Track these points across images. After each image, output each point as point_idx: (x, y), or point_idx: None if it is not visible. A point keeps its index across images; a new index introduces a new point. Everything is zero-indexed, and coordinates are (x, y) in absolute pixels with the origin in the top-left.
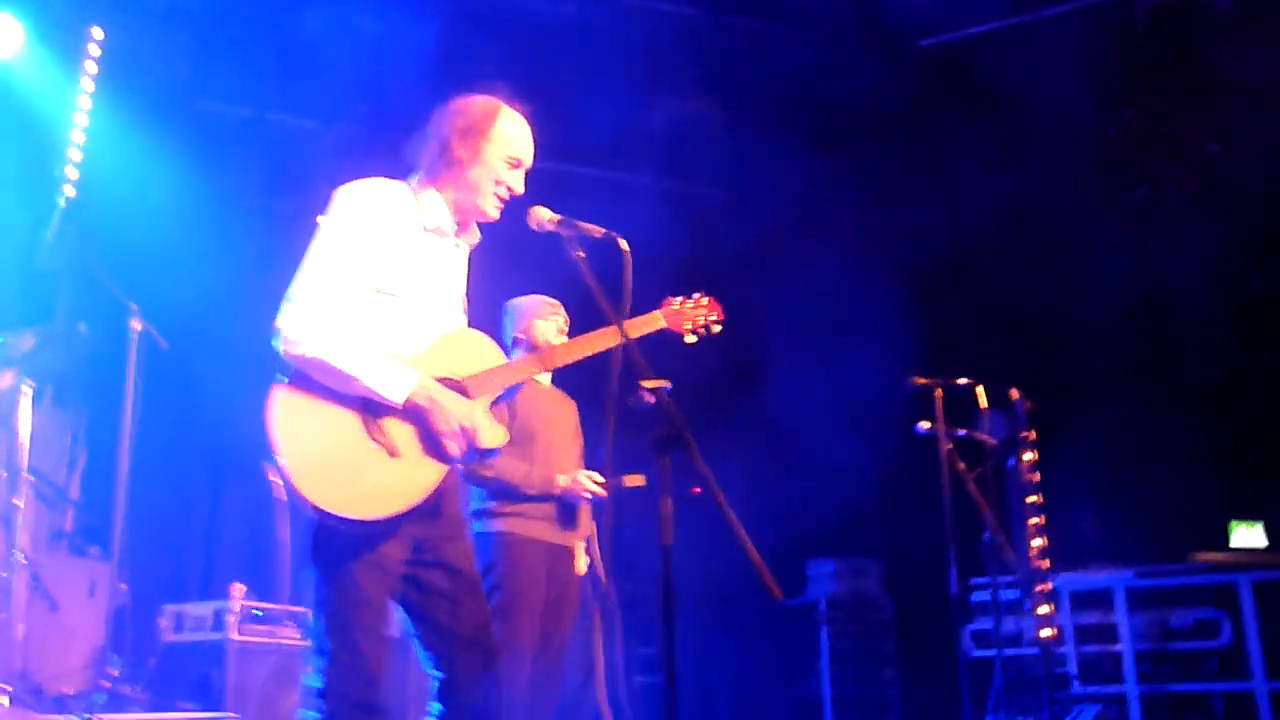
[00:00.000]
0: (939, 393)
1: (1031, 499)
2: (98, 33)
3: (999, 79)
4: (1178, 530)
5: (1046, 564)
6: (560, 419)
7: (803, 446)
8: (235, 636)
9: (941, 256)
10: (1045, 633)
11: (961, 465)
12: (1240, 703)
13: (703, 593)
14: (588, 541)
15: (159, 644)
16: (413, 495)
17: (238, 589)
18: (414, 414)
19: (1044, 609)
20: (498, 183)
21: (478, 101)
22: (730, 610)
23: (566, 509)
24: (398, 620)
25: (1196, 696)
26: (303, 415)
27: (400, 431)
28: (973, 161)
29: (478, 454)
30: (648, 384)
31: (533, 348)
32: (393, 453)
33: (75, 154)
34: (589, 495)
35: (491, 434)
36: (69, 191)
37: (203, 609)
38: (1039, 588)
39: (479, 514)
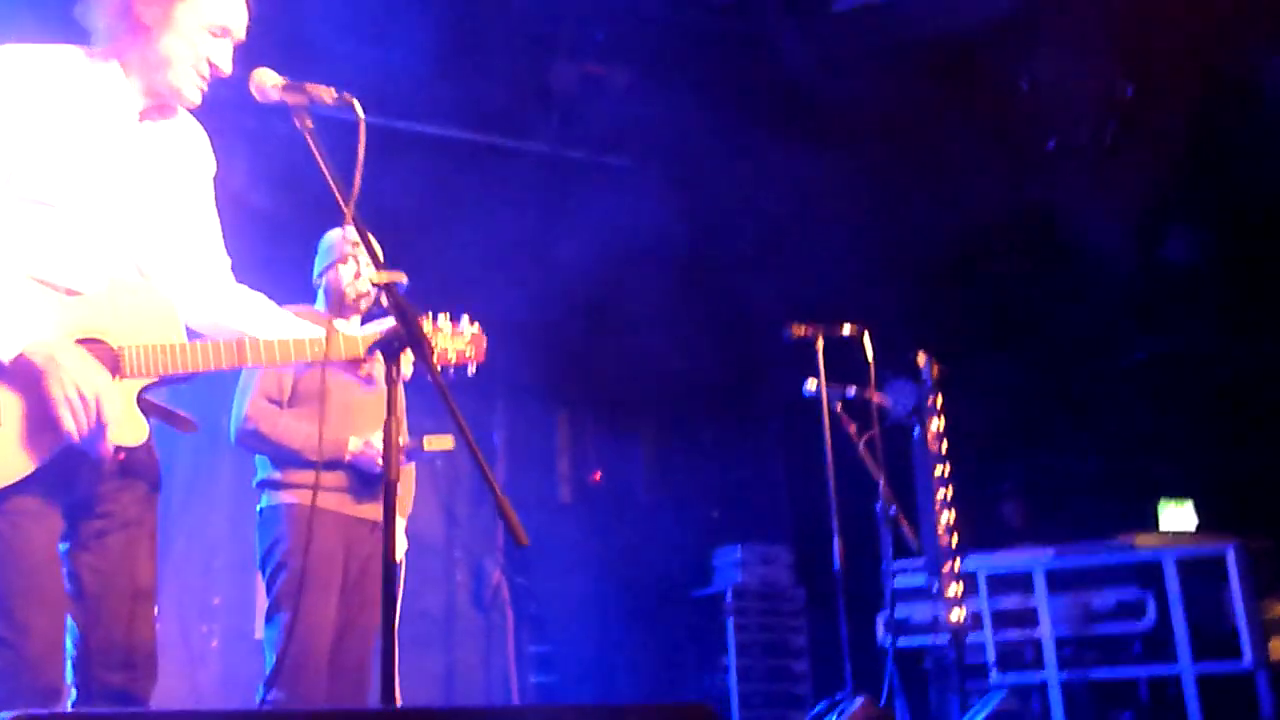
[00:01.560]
0: (820, 343)
1: (939, 471)
2: None
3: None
4: (1104, 510)
5: (954, 541)
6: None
7: (714, 430)
8: None
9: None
10: (955, 616)
11: (852, 426)
12: (1166, 687)
13: (605, 582)
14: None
15: None
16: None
17: None
18: (24, 377)
19: (953, 590)
20: (199, 57)
21: None
22: (634, 602)
23: (364, 478)
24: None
25: (1121, 682)
26: None
27: (4, 399)
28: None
29: (100, 444)
30: (378, 277)
31: (333, 296)
32: None
33: None
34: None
35: (125, 429)
36: None
37: None
38: (946, 567)
39: (264, 485)
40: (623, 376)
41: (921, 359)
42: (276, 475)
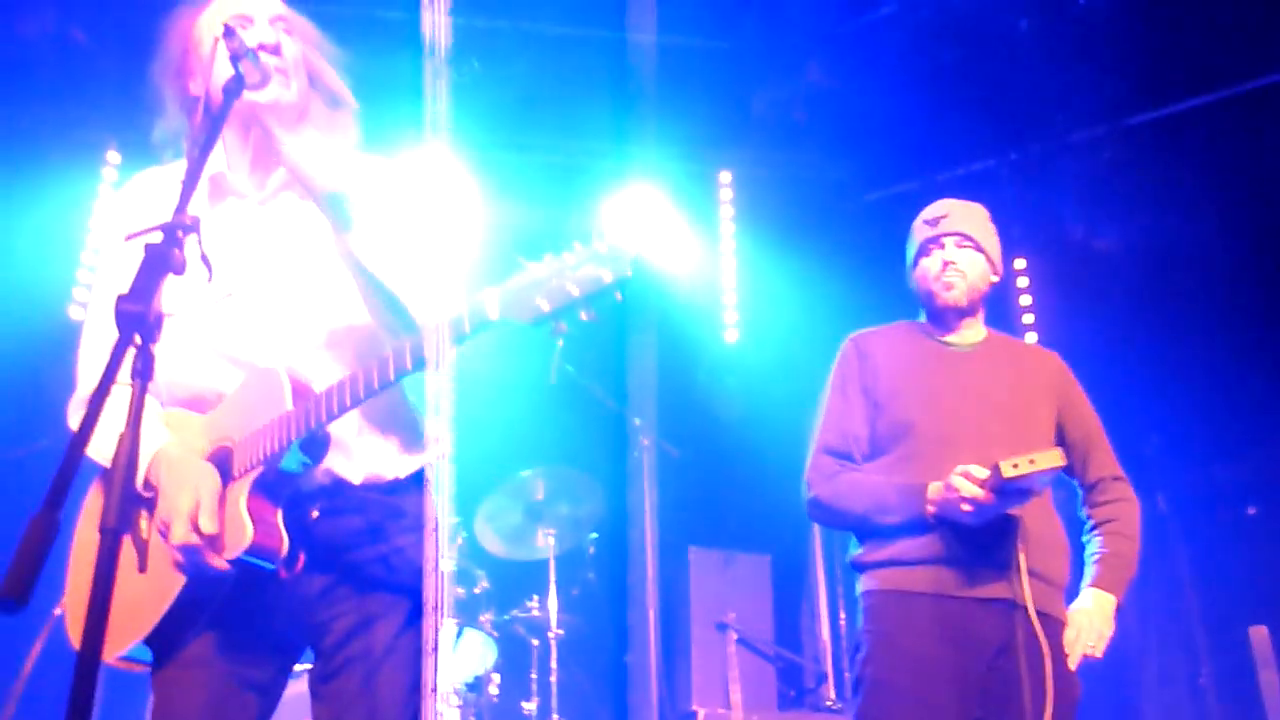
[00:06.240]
0: None
1: None
2: None
3: None
4: None
5: None
6: (988, 395)
7: None
8: None
9: None
10: None
11: None
12: None
13: None
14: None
15: None
16: (134, 631)
17: None
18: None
19: None
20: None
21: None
22: None
23: (968, 538)
24: None
25: None
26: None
27: (148, 528)
28: None
29: (226, 560)
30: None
31: (925, 302)
32: (140, 565)
33: None
34: (967, 505)
35: (231, 532)
36: None
37: None
38: None
39: (854, 566)
40: None
41: None
42: (856, 554)
